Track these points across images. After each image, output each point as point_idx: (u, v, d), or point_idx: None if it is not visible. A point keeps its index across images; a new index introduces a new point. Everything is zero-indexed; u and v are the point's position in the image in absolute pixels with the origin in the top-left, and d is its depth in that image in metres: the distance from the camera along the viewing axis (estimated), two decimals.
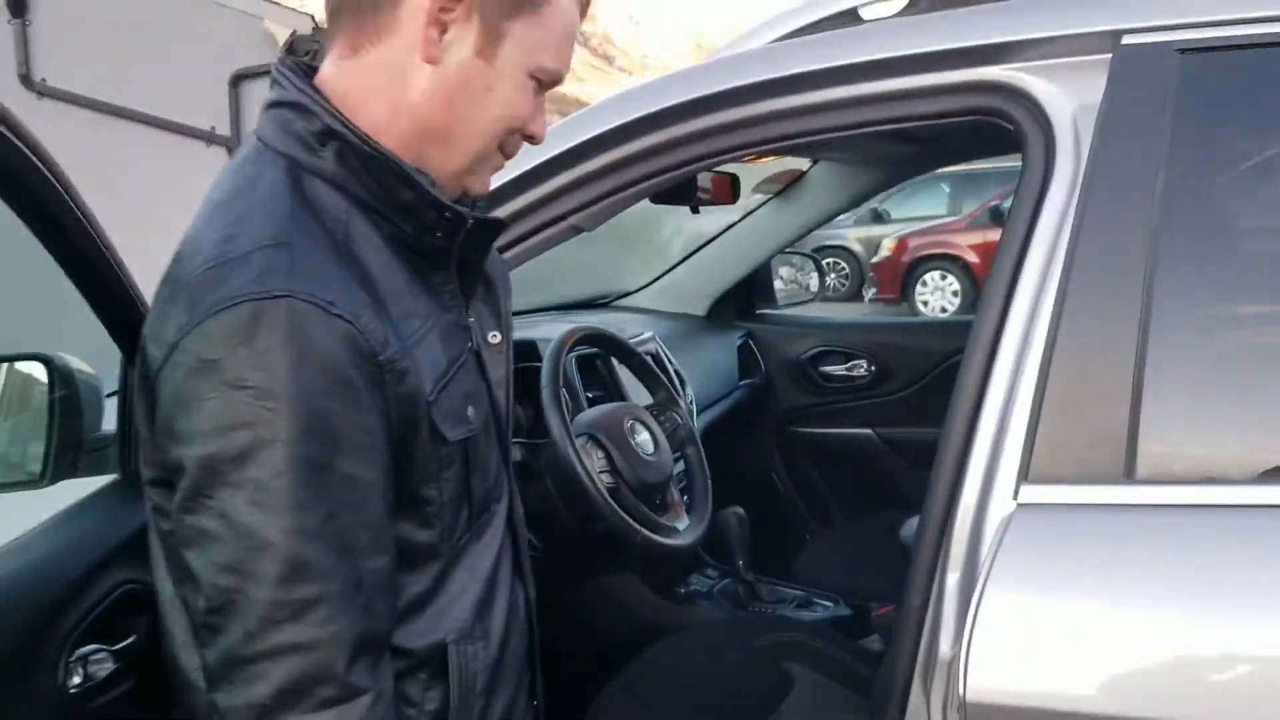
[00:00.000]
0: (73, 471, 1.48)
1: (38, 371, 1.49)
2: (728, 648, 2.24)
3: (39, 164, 1.17)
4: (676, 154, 1.65)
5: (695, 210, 2.36)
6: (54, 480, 1.46)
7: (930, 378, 3.14)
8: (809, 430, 3.29)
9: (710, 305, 3.28)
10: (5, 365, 1.55)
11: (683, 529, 2.11)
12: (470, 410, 1.15)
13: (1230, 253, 1.37)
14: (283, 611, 0.98)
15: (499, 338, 1.26)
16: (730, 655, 2.21)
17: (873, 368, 3.22)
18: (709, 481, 2.25)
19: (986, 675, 1.24)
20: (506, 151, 1.18)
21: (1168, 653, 1.20)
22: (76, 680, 1.27)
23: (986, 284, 1.41)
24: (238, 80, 10.15)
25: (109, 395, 1.54)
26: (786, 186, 3.06)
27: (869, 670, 2.22)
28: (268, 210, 1.06)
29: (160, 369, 1.03)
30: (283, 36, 10.31)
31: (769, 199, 3.13)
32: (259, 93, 10.33)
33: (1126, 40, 1.36)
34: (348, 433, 1.00)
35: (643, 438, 2.10)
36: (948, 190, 14.07)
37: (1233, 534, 1.22)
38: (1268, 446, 1.27)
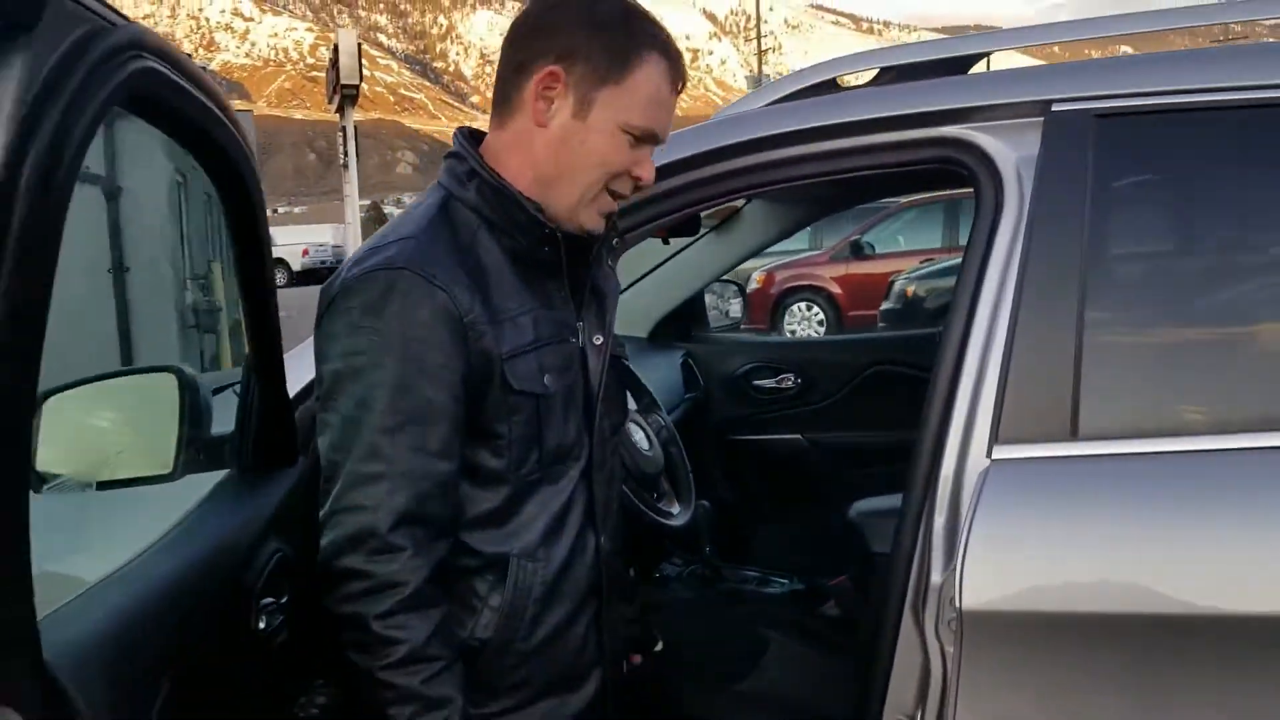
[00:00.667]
0: (195, 467, 1.76)
1: (166, 382, 1.76)
2: (707, 617, 2.60)
3: (253, 166, 1.49)
4: (692, 194, 2.02)
5: (666, 241, 2.73)
6: (182, 474, 1.74)
7: (850, 387, 3.58)
8: (745, 438, 3.69)
9: (652, 327, 3.65)
10: (139, 375, 1.81)
11: (676, 513, 2.48)
12: (547, 378, 1.52)
13: (1139, 265, 1.82)
14: (357, 480, 1.41)
15: (601, 340, 1.63)
16: (711, 625, 2.57)
17: (799, 380, 3.65)
18: (690, 474, 2.62)
19: (978, 592, 1.63)
20: (616, 192, 1.56)
21: (1110, 561, 1.61)
22: (262, 625, 1.55)
23: (955, 293, 1.82)
24: (113, 119, 10.21)
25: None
26: (723, 221, 3.46)
27: (829, 630, 2.62)
28: (415, 219, 1.52)
29: (320, 317, 1.50)
30: None
31: (707, 232, 3.52)
32: (134, 131, 10.34)
33: (1055, 107, 1.79)
34: (430, 367, 1.42)
35: (639, 436, 2.46)
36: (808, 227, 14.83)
37: (1149, 473, 1.64)
38: (1171, 411, 1.71)
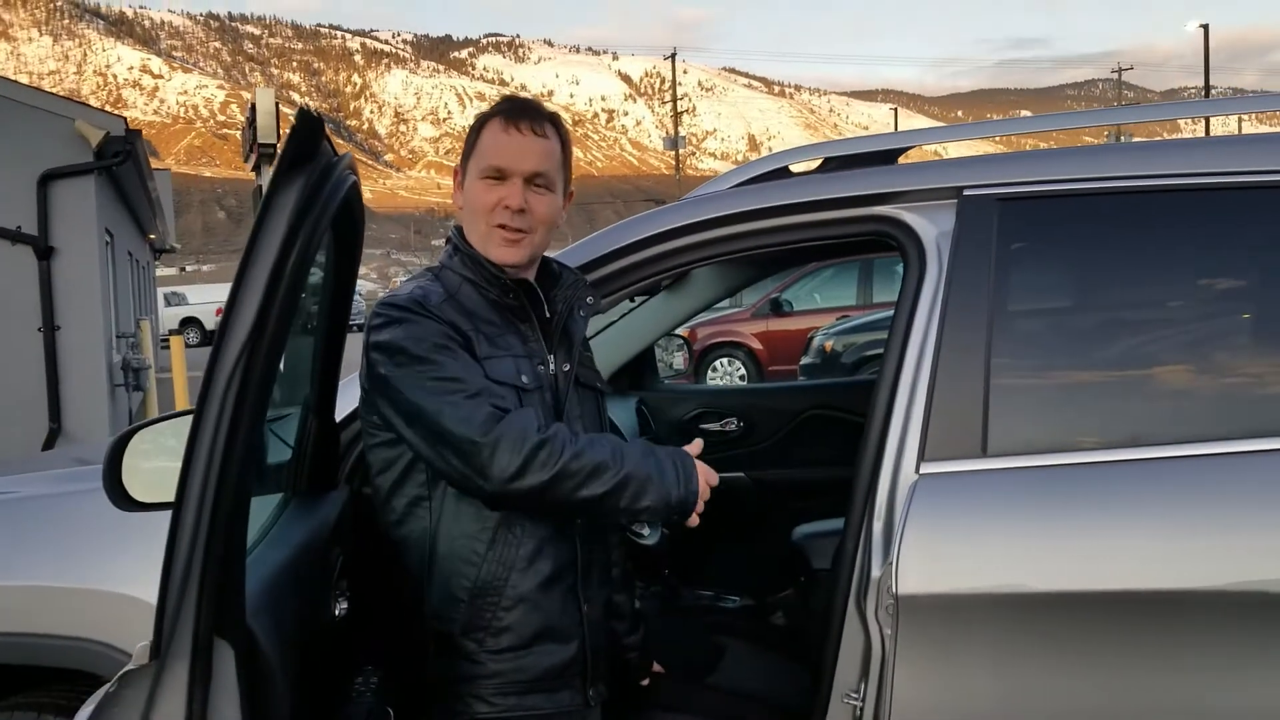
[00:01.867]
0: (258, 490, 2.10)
1: None
2: (671, 628, 2.96)
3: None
4: (667, 262, 2.43)
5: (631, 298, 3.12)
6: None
7: (788, 430, 4.01)
8: None
9: (608, 378, 4.02)
10: None
11: (647, 535, 2.85)
12: (523, 377, 1.96)
13: (1033, 317, 2.27)
14: (472, 414, 1.82)
15: (569, 367, 2.08)
16: (675, 634, 2.93)
17: (742, 424, 4.06)
18: None
19: (911, 580, 2.02)
20: (503, 225, 1.98)
21: (1016, 550, 2.02)
22: (337, 611, 1.89)
23: (888, 340, 2.24)
24: (46, 180, 10.30)
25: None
26: (674, 280, 3.86)
27: (779, 637, 3.01)
28: (415, 281, 2.04)
29: (366, 358, 1.94)
30: (95, 138, 10.48)
31: (658, 292, 3.91)
32: (68, 192, 10.46)
33: (966, 192, 2.23)
34: (450, 347, 1.87)
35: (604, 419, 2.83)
36: None
37: (1044, 480, 2.07)
38: (1061, 432, 2.14)
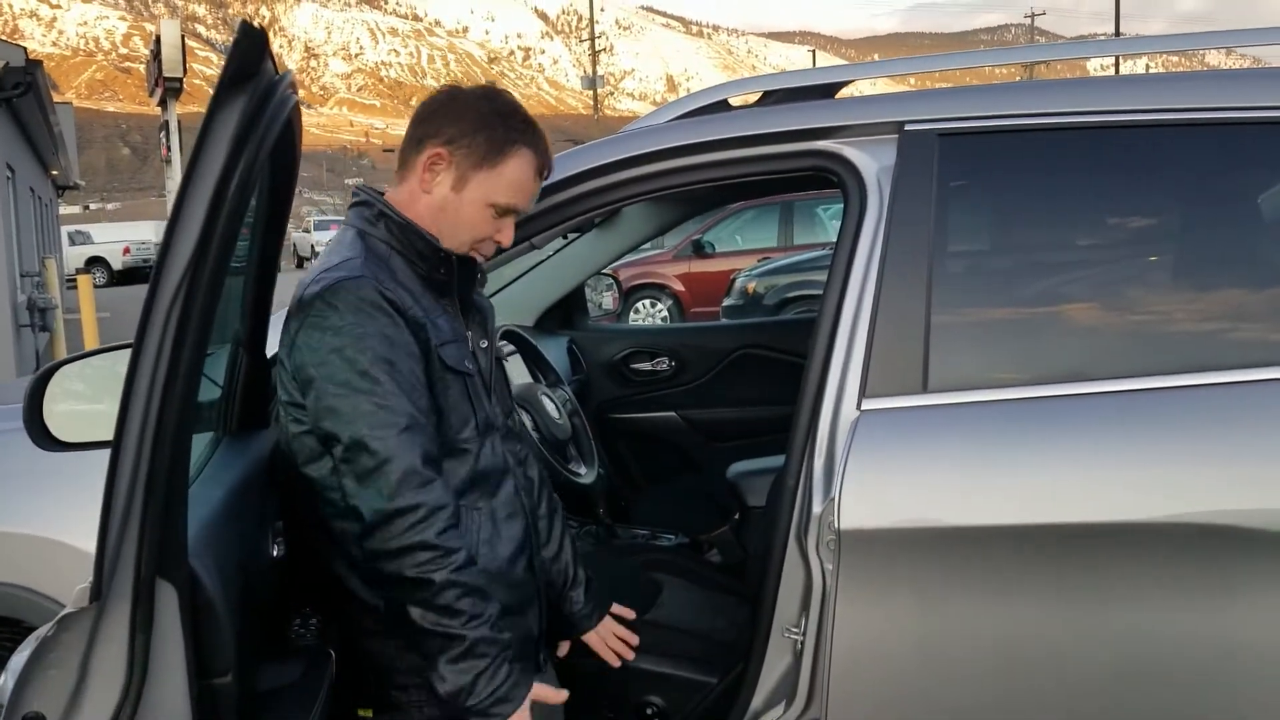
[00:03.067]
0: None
1: None
2: (607, 567, 2.96)
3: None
4: (604, 197, 2.39)
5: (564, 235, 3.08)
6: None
7: (720, 368, 4.01)
8: (623, 416, 4.07)
9: (538, 317, 3.99)
10: None
11: (584, 474, 2.84)
12: (467, 363, 1.91)
13: (973, 253, 2.28)
14: (381, 439, 1.71)
15: (486, 344, 2.03)
16: (610, 572, 2.93)
17: (673, 364, 4.06)
18: (592, 441, 2.99)
19: (853, 516, 2.03)
20: (481, 252, 1.95)
21: (954, 483, 2.05)
22: (275, 551, 1.85)
23: (829, 276, 2.24)
24: None
25: None
26: (605, 218, 3.83)
27: (715, 574, 3.02)
28: (345, 248, 1.87)
29: (294, 334, 1.79)
30: None
31: (587, 230, 3.87)
32: None
33: (907, 127, 2.22)
34: (399, 343, 1.75)
35: (550, 406, 2.82)
36: None
37: (983, 416, 2.09)
38: (999, 368, 2.17)
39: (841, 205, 2.29)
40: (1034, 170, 2.27)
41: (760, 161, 2.35)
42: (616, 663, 2.24)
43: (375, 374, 1.72)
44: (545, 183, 2.34)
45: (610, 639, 2.24)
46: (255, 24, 1.24)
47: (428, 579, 1.70)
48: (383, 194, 1.95)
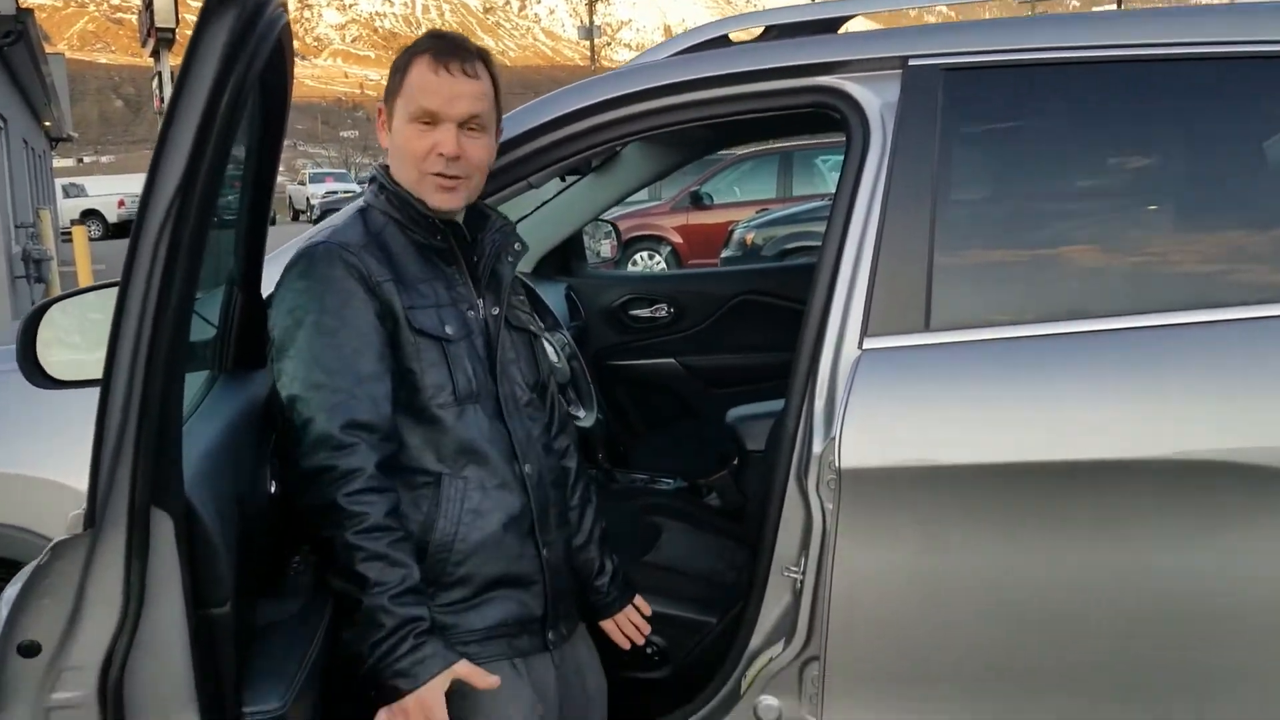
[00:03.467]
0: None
1: None
2: (606, 512, 2.95)
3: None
4: (603, 134, 2.35)
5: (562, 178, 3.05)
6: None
7: (719, 314, 3.99)
8: (621, 363, 4.06)
9: (536, 263, 3.96)
10: None
11: (583, 417, 2.83)
12: (448, 328, 1.89)
13: (977, 190, 2.25)
14: (311, 401, 1.76)
15: (498, 311, 2.00)
16: (611, 516, 2.92)
17: (672, 310, 4.03)
18: (591, 385, 2.97)
19: (854, 455, 2.02)
20: (433, 171, 1.90)
21: (955, 422, 2.03)
22: (273, 488, 1.84)
23: (832, 208, 2.21)
24: None
25: None
26: (601, 163, 3.79)
27: (714, 518, 3.02)
28: (338, 219, 1.99)
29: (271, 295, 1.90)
30: None
31: (585, 174, 3.83)
32: None
33: (911, 62, 2.19)
34: (353, 310, 1.80)
35: (550, 350, 2.79)
36: None
37: (986, 354, 2.07)
38: (1002, 306, 2.14)
39: (840, 156, 2.25)
40: (1040, 106, 2.23)
41: (761, 98, 2.31)
42: (625, 645, 2.22)
43: (314, 338, 1.79)
44: (542, 120, 2.33)
45: (626, 625, 2.22)
46: None
47: (332, 539, 1.72)
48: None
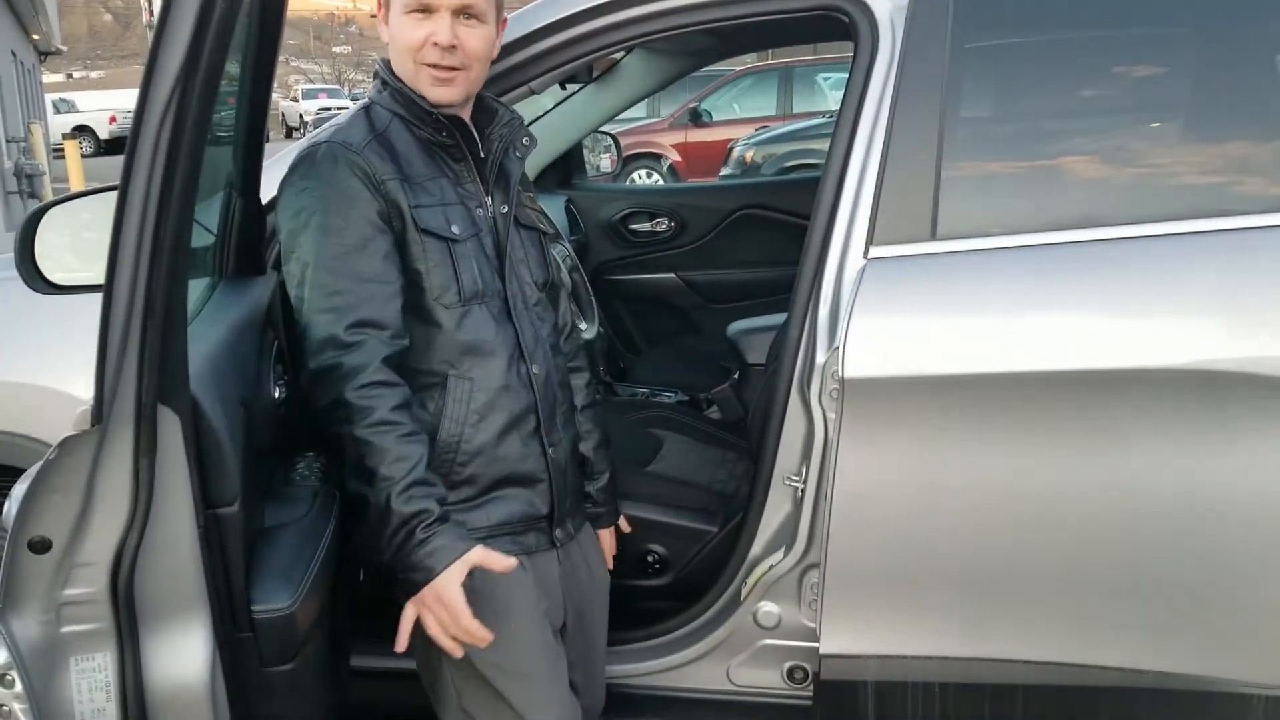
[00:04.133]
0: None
1: None
2: (608, 423, 2.96)
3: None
4: (605, 38, 2.31)
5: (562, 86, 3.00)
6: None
7: (720, 229, 3.96)
8: (621, 277, 4.04)
9: (535, 176, 3.92)
10: None
11: (585, 328, 2.82)
12: (454, 227, 1.88)
13: (987, 98, 2.22)
14: (318, 300, 1.76)
15: (507, 209, 1.99)
16: (612, 427, 2.93)
17: (673, 224, 4.00)
18: (592, 296, 2.96)
19: (858, 364, 2.01)
20: (433, 63, 1.86)
21: (962, 330, 2.02)
22: (277, 393, 1.84)
23: (838, 117, 2.18)
24: None
25: None
26: (602, 73, 3.73)
27: (716, 430, 3.03)
28: (342, 118, 1.96)
29: (278, 193, 1.88)
30: None
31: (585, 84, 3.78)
32: None
33: None
34: (358, 208, 1.79)
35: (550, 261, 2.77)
36: None
37: (992, 263, 2.05)
38: (1009, 214, 2.13)
39: (841, 73, 2.22)
40: (1052, 14, 2.19)
41: (766, 0, 2.26)
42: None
43: (320, 239, 1.77)
44: (544, 21, 2.29)
45: (606, 542, 2.27)
46: None
47: (341, 435, 1.73)
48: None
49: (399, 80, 1.89)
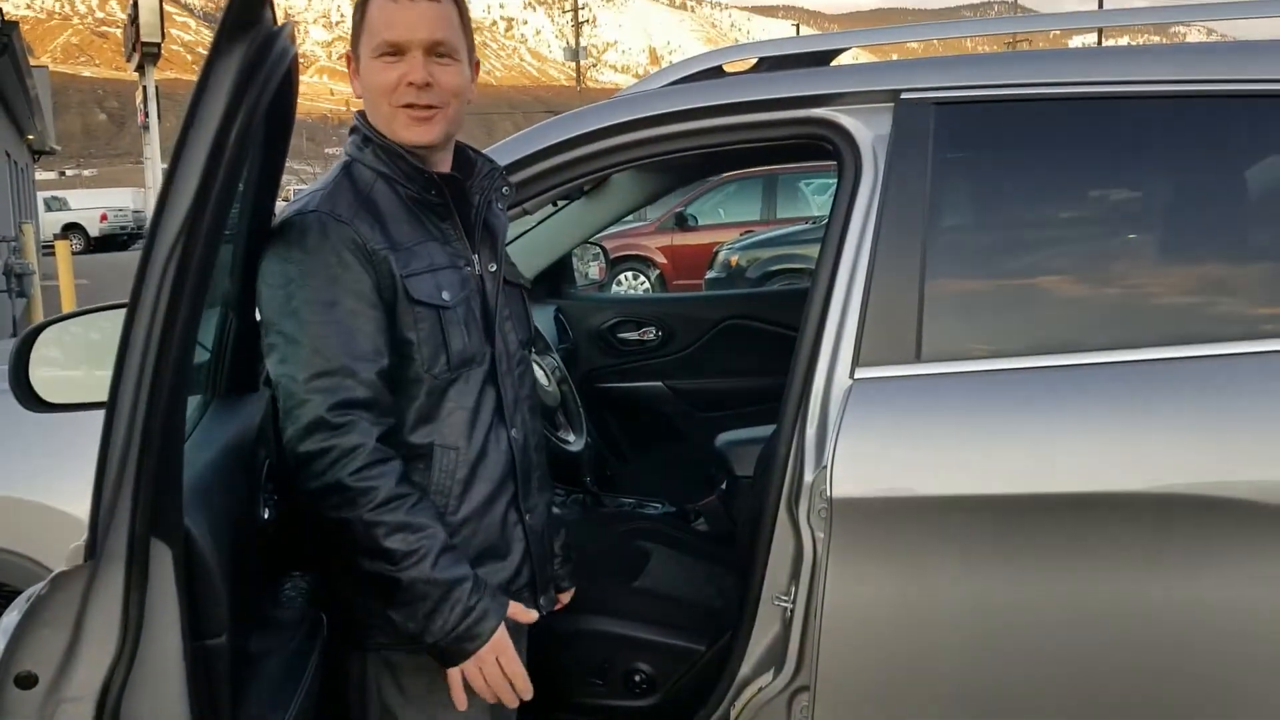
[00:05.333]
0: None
1: None
2: (594, 535, 2.96)
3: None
4: (598, 162, 2.37)
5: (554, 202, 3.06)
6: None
7: (707, 339, 4.00)
8: (609, 385, 4.07)
9: None
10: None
11: (573, 441, 2.83)
12: (445, 294, 1.82)
13: (967, 224, 2.27)
14: (303, 381, 1.71)
15: (495, 267, 1.95)
16: (599, 540, 2.93)
17: (660, 333, 4.05)
18: (580, 409, 2.98)
19: (846, 484, 2.03)
20: (409, 104, 1.81)
21: (947, 452, 2.05)
22: (266, 514, 1.83)
23: (823, 244, 2.23)
24: None
25: None
26: (594, 186, 3.80)
27: (703, 543, 3.03)
28: (323, 181, 1.87)
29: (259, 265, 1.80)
30: None
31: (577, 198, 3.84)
32: None
33: (903, 95, 2.21)
34: (346, 284, 1.74)
35: (539, 374, 2.80)
36: None
37: (976, 386, 2.09)
38: (991, 339, 2.17)
39: (824, 180, 2.28)
40: (1029, 140, 2.26)
41: (755, 129, 2.33)
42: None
43: (307, 314, 1.72)
44: (537, 147, 2.34)
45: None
46: None
47: (348, 520, 1.69)
48: None
49: (381, 136, 1.84)
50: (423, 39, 1.79)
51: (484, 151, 2.06)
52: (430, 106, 1.81)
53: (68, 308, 11.53)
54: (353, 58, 1.87)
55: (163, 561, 1.29)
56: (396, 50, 1.79)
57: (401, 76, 1.79)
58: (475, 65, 1.93)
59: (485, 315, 1.90)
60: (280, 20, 1.44)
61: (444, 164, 1.91)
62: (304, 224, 1.76)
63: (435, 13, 1.81)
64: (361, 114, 1.90)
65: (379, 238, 1.77)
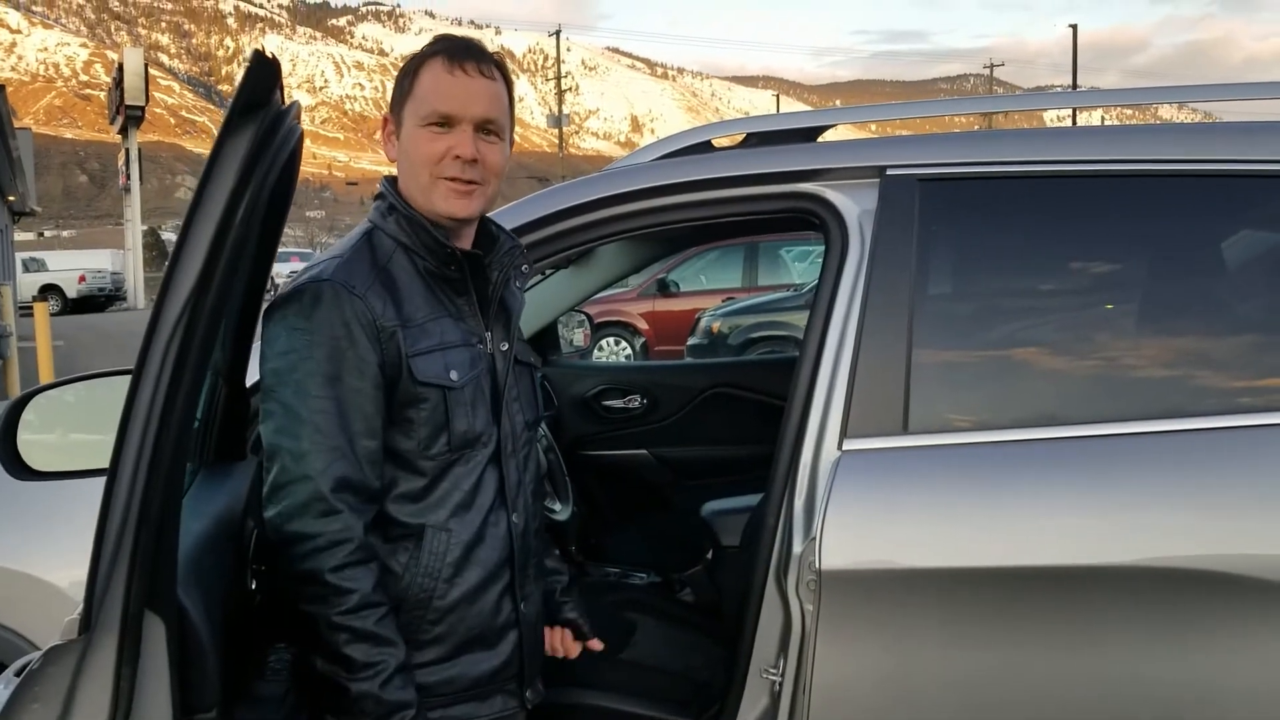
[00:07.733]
0: None
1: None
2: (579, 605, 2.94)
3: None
4: (588, 233, 2.40)
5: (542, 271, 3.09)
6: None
7: (692, 406, 4.01)
8: (594, 453, 4.06)
9: None
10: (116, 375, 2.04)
11: (559, 510, 2.83)
12: (453, 374, 1.79)
13: (953, 297, 2.31)
14: (299, 456, 1.68)
15: (506, 346, 1.92)
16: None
17: (645, 401, 4.06)
18: (567, 478, 2.98)
19: (835, 556, 2.03)
20: (448, 175, 1.80)
21: (937, 525, 2.06)
22: (253, 585, 1.82)
23: (810, 317, 2.26)
24: None
25: None
26: (581, 255, 3.83)
27: (689, 613, 3.01)
28: (342, 246, 1.84)
29: (264, 327, 1.77)
30: None
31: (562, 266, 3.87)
32: None
33: (889, 172, 2.26)
34: (352, 359, 1.71)
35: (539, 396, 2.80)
36: None
37: (964, 458, 2.11)
38: (978, 411, 2.19)
39: (805, 247, 2.31)
40: (1013, 216, 2.30)
41: (743, 202, 2.37)
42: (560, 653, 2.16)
43: (310, 388, 1.69)
44: (529, 218, 2.37)
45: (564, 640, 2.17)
46: (268, 54, 1.24)
47: (316, 615, 1.67)
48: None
49: (409, 205, 1.81)
50: (475, 115, 1.79)
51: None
52: (472, 182, 1.80)
53: (45, 369, 11.46)
54: (392, 121, 1.85)
55: (156, 635, 1.29)
56: (447, 122, 1.79)
57: (449, 149, 1.78)
58: (512, 143, 1.92)
59: (494, 394, 1.87)
60: (287, 101, 1.47)
61: (467, 239, 1.89)
62: (317, 292, 1.72)
63: (490, 91, 1.81)
64: (390, 180, 1.88)
65: (390, 313, 1.75)
